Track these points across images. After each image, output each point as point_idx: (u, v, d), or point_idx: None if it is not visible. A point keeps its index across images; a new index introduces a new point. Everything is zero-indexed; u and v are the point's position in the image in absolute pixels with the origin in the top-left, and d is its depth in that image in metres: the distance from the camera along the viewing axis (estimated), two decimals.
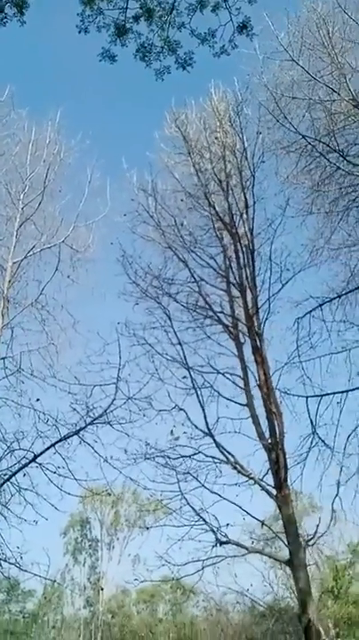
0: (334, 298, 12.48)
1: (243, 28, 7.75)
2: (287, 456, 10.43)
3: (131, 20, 7.67)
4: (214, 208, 12.24)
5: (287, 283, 11.11)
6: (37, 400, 10.18)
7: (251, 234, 11.70)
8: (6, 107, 13.94)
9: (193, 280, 12.22)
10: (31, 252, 13.06)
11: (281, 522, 10.74)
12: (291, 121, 12.64)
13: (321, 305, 12.25)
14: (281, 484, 10.00)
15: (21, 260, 13.09)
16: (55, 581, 29.05)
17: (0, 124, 13.83)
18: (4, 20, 6.51)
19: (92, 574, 44.05)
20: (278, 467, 10.15)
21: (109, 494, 10.57)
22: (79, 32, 7.41)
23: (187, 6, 7.59)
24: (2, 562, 11.04)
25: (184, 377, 11.60)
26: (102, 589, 38.14)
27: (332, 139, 12.03)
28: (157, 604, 46.47)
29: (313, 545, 10.21)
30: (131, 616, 45.85)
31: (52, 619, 45.86)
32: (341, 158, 12.27)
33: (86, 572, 44.06)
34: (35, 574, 11.91)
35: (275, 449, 10.27)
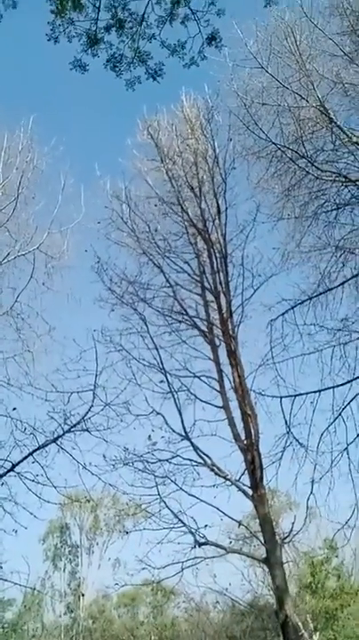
0: (305, 300, 12.78)
1: (212, 39, 7.96)
2: (262, 456, 10.66)
3: (102, 31, 7.78)
4: (187, 214, 12.41)
5: (259, 288, 11.34)
6: (14, 409, 10.16)
7: (224, 239, 11.91)
8: None
9: (168, 285, 12.38)
10: (5, 260, 12.99)
11: (258, 520, 10.97)
12: (262, 127, 12.89)
13: (293, 307, 12.53)
14: (257, 484, 10.21)
15: None
16: (35, 589, 28.77)
17: None
18: None
19: (72, 580, 43.70)
20: (254, 467, 10.36)
21: (89, 501, 10.61)
22: (49, 40, 7.49)
23: (157, 18, 7.76)
24: None
25: (161, 381, 11.75)
26: (83, 595, 37.93)
27: (301, 145, 12.33)
28: (138, 607, 46.38)
29: (289, 543, 10.45)
30: (112, 620, 45.64)
31: (32, 627, 45.32)
32: (310, 164, 12.59)
33: (66, 577, 43.69)
34: (16, 583, 11.85)
35: (250, 450, 10.48)
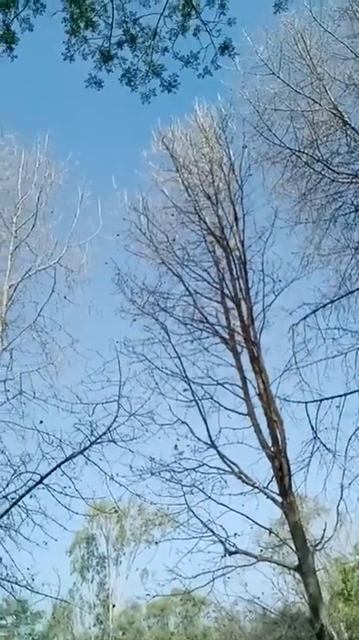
0: (327, 303, 12.70)
1: (225, 48, 8.02)
2: (290, 462, 10.56)
3: (115, 47, 7.91)
4: (205, 222, 12.46)
5: (281, 293, 11.30)
6: (41, 422, 10.23)
7: (243, 246, 11.91)
8: None
9: (188, 294, 12.40)
10: (27, 275, 13.21)
11: (287, 527, 10.84)
12: (275, 133, 12.94)
13: (314, 311, 12.47)
14: (286, 491, 10.12)
15: (18, 283, 13.25)
16: (66, 601, 28.80)
17: None
18: None
19: (101, 591, 43.67)
20: (282, 474, 10.27)
21: (116, 511, 10.63)
22: (64, 59, 7.64)
23: (169, 31, 7.86)
24: (13, 585, 11.08)
25: (185, 390, 11.75)
26: (114, 606, 37.81)
27: (316, 149, 12.31)
28: (168, 617, 46.13)
29: (320, 550, 10.30)
30: (142, 631, 45.44)
31: (62, 639, 45.40)
32: (326, 167, 12.56)
33: (95, 589, 43.69)
34: (47, 595, 11.87)
35: (277, 456, 10.40)
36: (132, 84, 8.14)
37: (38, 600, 13.23)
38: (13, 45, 6.91)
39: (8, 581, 11.11)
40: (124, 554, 43.32)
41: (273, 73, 12.70)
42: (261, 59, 12.70)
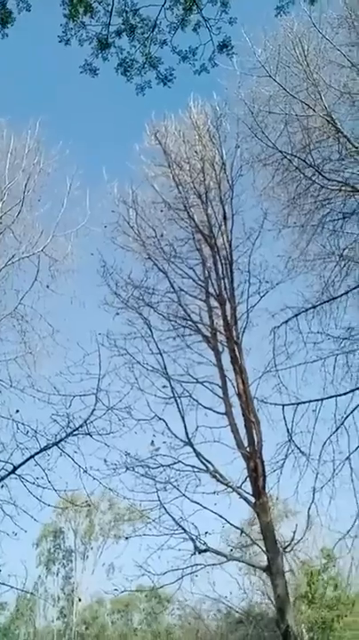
0: (309, 308, 12.80)
1: (224, 46, 7.99)
2: (264, 463, 10.61)
3: (113, 35, 7.81)
4: (194, 220, 12.43)
5: (265, 294, 11.34)
6: (17, 411, 10.10)
7: (230, 246, 11.91)
8: None
9: (172, 290, 12.37)
10: (10, 262, 12.99)
11: (257, 528, 10.88)
12: (269, 135, 12.97)
13: (296, 315, 12.56)
14: (259, 491, 10.17)
15: (0, 269, 13.02)
16: (32, 593, 28.53)
17: None
18: None
19: (66, 585, 43.44)
20: (256, 474, 10.32)
21: (89, 505, 10.54)
22: (60, 42, 7.50)
23: (169, 24, 7.78)
24: None
25: (164, 386, 11.72)
26: (80, 600, 37.63)
27: (308, 154, 12.38)
28: (132, 613, 46.09)
29: (290, 551, 10.38)
30: (105, 626, 45.32)
31: (25, 632, 44.99)
32: (316, 172, 12.64)
33: (60, 582, 43.43)
34: (13, 587, 11.80)
35: (253, 457, 10.44)
36: (128, 74, 8.05)
37: (4, 591, 13.10)
38: (8, 25, 6.76)
39: None
40: (92, 548, 43.17)
41: (269, 75, 12.72)
42: (259, 60, 12.71)
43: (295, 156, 12.17)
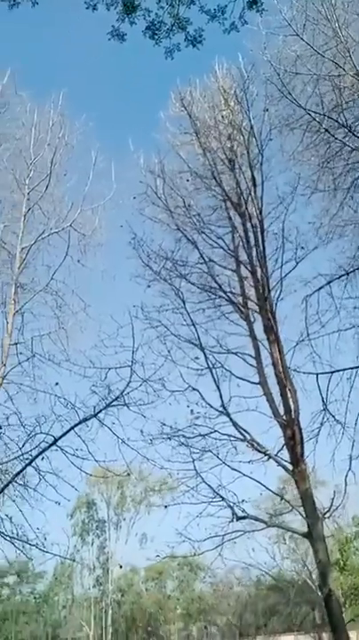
0: (342, 275, 12.54)
1: (254, 3, 7.67)
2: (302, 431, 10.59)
3: None
4: (222, 188, 12.19)
5: (302, 260, 11.11)
6: (57, 384, 10.24)
7: (261, 212, 11.67)
8: (8, 89, 13.75)
9: (202, 261, 12.24)
10: (40, 237, 13.01)
11: (288, 496, 10.85)
12: (297, 97, 12.54)
13: (329, 282, 12.31)
14: (297, 459, 10.18)
15: (30, 246, 13.06)
16: (75, 561, 29.39)
17: (2, 107, 13.64)
18: (16, 2, 6.40)
19: (101, 554, 44.79)
20: (294, 442, 10.31)
21: (129, 474, 10.73)
22: (87, 8, 7.28)
23: None
24: (24, 544, 11.29)
25: (196, 358, 11.72)
26: (121, 567, 38.75)
27: (340, 114, 11.95)
28: (166, 581, 47.44)
29: (329, 517, 10.42)
30: (140, 594, 46.78)
31: (63, 599, 46.75)
32: (347, 134, 12.21)
33: (95, 552, 44.79)
34: (57, 555, 12.22)
35: (290, 425, 10.43)
36: (156, 37, 7.82)
37: (47, 559, 13.54)
38: None
39: (20, 540, 11.34)
40: (124, 519, 44.30)
41: (296, 34, 12.23)
42: (285, 18, 12.20)
43: (326, 117, 11.75)
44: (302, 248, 11.03)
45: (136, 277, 12.14)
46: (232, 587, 42.75)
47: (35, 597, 44.90)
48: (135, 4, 7.57)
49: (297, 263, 11.04)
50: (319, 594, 33.09)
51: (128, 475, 10.59)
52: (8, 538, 11.29)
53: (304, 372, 11.56)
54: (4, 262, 13.11)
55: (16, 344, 12.53)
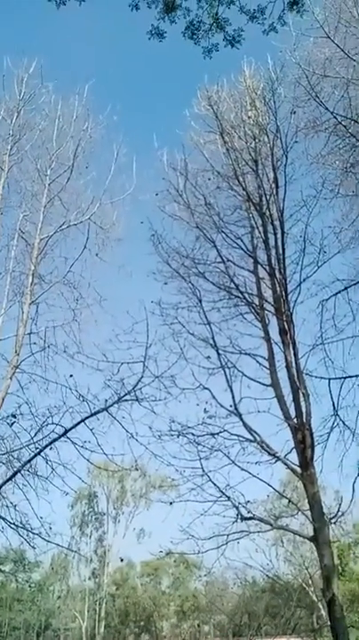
0: None
1: (294, 3, 7.66)
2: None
3: None
4: (244, 188, 12.15)
5: (323, 265, 11.07)
6: (71, 376, 10.27)
7: (282, 214, 11.63)
8: (34, 79, 13.80)
9: (220, 260, 12.22)
10: (60, 229, 13.03)
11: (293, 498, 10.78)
12: (324, 100, 12.48)
13: (347, 288, 12.27)
14: (307, 462, 10.16)
15: (50, 237, 13.09)
16: (77, 552, 29.51)
17: (28, 97, 13.68)
18: (64, 0, 6.43)
19: (99, 547, 44.97)
20: (304, 446, 10.29)
21: (137, 469, 10.76)
22: (131, 9, 7.30)
23: None
24: (28, 532, 11.36)
25: (208, 357, 11.71)
26: (122, 560, 38.89)
27: None
28: (161, 577, 47.60)
29: (335, 523, 10.39)
30: (135, 588, 46.97)
31: (58, 589, 47.01)
32: None
33: (93, 544, 44.99)
34: (59, 545, 12.28)
35: (301, 428, 10.40)
36: (195, 37, 7.84)
37: (50, 549, 13.59)
38: None
39: (24, 529, 11.42)
40: (123, 513, 44.46)
41: (328, 36, 12.17)
42: (317, 19, 12.13)
43: (354, 121, 11.68)
44: (325, 252, 10.98)
45: (153, 274, 12.15)
46: (227, 587, 42.84)
47: (30, 586, 45.17)
48: (176, 3, 7.58)
49: (318, 267, 10.99)
50: (315, 598, 33.16)
51: (136, 469, 10.61)
52: (14, 526, 11.39)
53: (316, 377, 11.56)
54: (22, 252, 13.16)
55: (29, 334, 12.59)
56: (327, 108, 12.47)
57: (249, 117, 12.38)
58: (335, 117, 12.45)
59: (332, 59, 12.67)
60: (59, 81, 14.35)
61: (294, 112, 11.80)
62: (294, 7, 7.53)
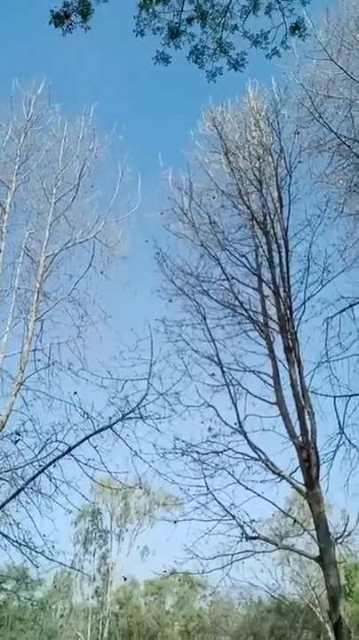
0: None
1: (296, 28, 7.83)
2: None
3: (184, 23, 7.77)
4: (249, 206, 12.29)
5: (327, 283, 11.14)
6: (75, 393, 10.29)
7: (286, 233, 11.74)
8: (42, 100, 14.07)
9: (224, 278, 12.31)
10: (65, 247, 13.18)
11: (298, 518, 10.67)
12: (327, 120, 12.67)
13: (351, 306, 12.32)
14: (312, 481, 10.10)
15: (55, 255, 13.23)
16: (81, 571, 29.13)
17: (35, 118, 13.95)
18: (70, 27, 6.61)
19: (102, 565, 44.43)
20: (309, 465, 10.24)
21: (141, 487, 10.71)
22: (136, 35, 7.50)
23: (241, 8, 7.69)
24: (31, 550, 11.30)
25: (212, 374, 11.73)
26: (125, 579, 38.39)
27: None
28: (165, 596, 46.89)
29: (341, 543, 10.29)
30: (138, 607, 46.25)
31: (61, 607, 46.35)
32: None
33: (96, 562, 44.44)
34: (62, 564, 12.21)
35: (306, 447, 10.36)
36: (199, 61, 8.03)
37: (53, 567, 13.48)
38: (88, 17, 6.79)
39: (27, 547, 11.36)
40: (127, 530, 43.98)
41: (331, 59, 12.39)
42: (320, 42, 12.36)
43: (357, 141, 11.83)
44: (329, 271, 11.05)
45: (158, 291, 12.24)
46: (232, 607, 42.16)
47: (32, 604, 44.57)
48: (180, 29, 7.78)
49: (323, 285, 11.05)
50: (322, 620, 32.56)
51: (140, 487, 10.56)
52: (17, 544, 11.34)
53: (321, 394, 11.56)
54: (28, 270, 13.29)
55: (34, 351, 12.65)
56: (331, 129, 12.68)
57: (253, 138, 12.57)
58: (338, 137, 12.63)
59: (335, 80, 12.89)
60: (66, 102, 14.63)
61: (298, 132, 11.98)
62: (296, 32, 7.68)
